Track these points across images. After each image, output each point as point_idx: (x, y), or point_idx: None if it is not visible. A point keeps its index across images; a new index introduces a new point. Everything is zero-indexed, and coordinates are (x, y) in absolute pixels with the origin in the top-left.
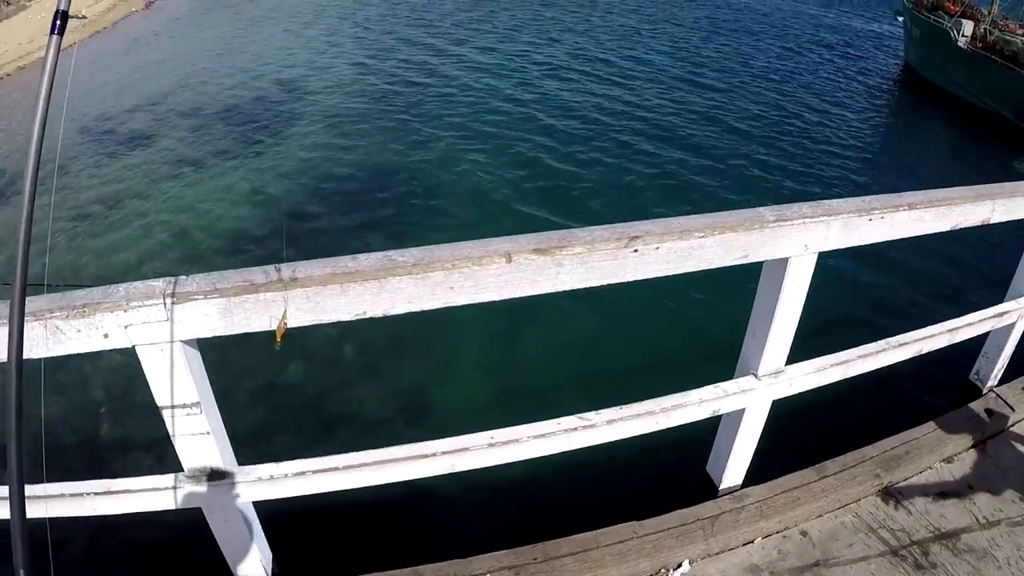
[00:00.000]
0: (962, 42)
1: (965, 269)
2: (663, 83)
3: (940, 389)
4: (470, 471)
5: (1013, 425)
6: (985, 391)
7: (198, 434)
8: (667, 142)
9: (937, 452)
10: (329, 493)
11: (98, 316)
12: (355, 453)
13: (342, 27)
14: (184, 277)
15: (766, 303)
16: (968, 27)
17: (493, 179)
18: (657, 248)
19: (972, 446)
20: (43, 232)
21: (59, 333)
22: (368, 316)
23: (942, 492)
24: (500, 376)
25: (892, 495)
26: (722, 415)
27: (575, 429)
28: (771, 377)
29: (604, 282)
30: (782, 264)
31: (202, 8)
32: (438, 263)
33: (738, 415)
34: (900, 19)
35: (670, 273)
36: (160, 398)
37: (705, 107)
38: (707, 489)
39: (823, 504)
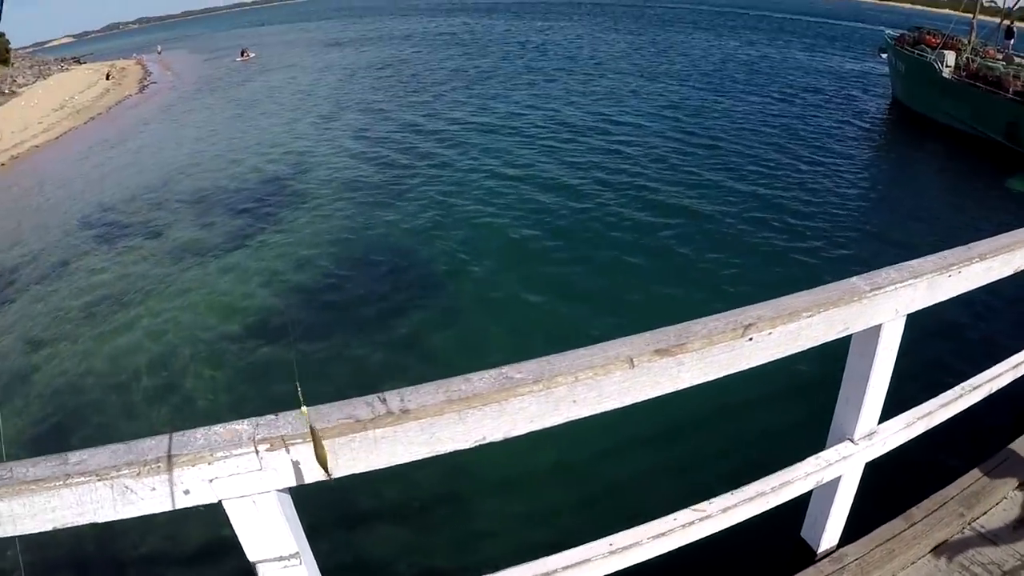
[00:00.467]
0: (947, 72)
1: (993, 307)
2: (653, 144)
3: (998, 419)
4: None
5: None
6: None
7: None
8: (663, 205)
9: (1011, 481)
10: None
11: (176, 471)
12: None
13: (331, 109)
14: (272, 416)
15: (859, 369)
16: (951, 57)
17: (511, 243)
18: (770, 334)
19: None
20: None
21: (129, 493)
22: (487, 442)
23: (1021, 519)
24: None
25: (976, 529)
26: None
27: (692, 523)
28: (866, 440)
29: (721, 374)
30: (875, 331)
31: (198, 92)
32: (560, 377)
33: (836, 480)
34: (884, 56)
35: (781, 356)
36: (252, 552)
37: (699, 165)
38: (804, 554)
39: (916, 550)
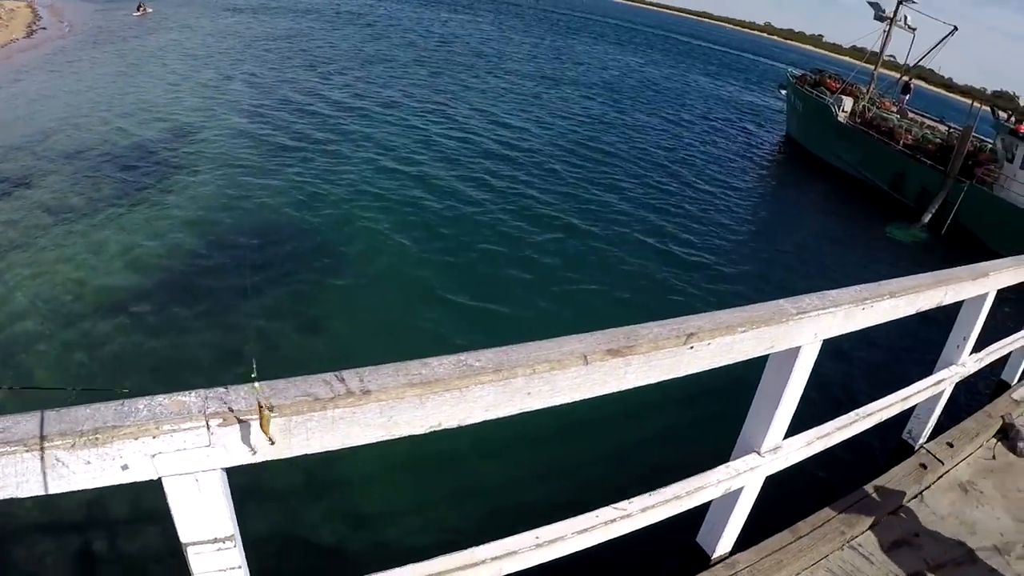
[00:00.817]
0: (842, 117)
1: (896, 345)
2: (544, 151)
3: (876, 448)
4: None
5: (943, 476)
6: (917, 448)
7: (228, 569)
8: (544, 216)
9: (886, 506)
10: None
11: (115, 444)
12: (398, 569)
13: (219, 79)
14: (223, 389)
15: (774, 386)
16: (848, 103)
17: (384, 239)
18: (708, 344)
19: (913, 497)
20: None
21: (60, 466)
22: (442, 428)
23: (895, 541)
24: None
25: (855, 548)
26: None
27: (614, 520)
28: (771, 453)
29: (663, 378)
30: (794, 352)
31: (87, 43)
32: (519, 368)
33: (739, 490)
34: (783, 92)
35: (715, 366)
36: (187, 533)
37: (587, 180)
38: (698, 558)
39: (802, 562)
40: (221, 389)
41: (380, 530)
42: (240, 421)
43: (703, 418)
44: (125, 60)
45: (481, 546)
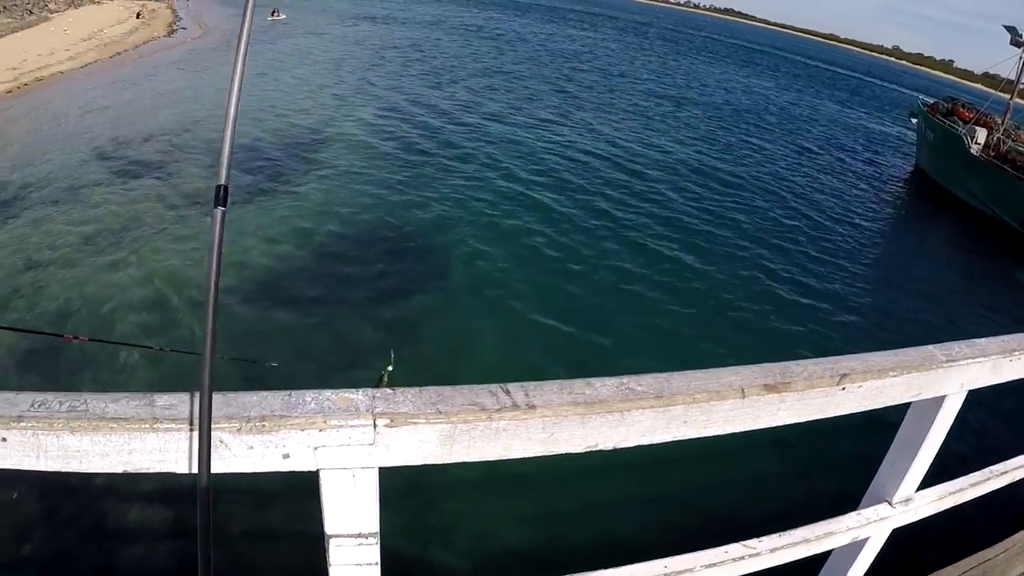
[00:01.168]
0: (975, 149)
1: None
2: (676, 172)
3: (1000, 512)
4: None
5: None
6: None
7: (366, 564)
8: (674, 237)
9: (1010, 572)
10: None
11: (280, 433)
12: None
13: (356, 84)
14: (389, 391)
15: (913, 436)
16: (982, 135)
17: (492, 252)
18: (860, 386)
19: None
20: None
21: (222, 448)
22: (598, 448)
23: None
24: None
25: None
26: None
27: (742, 558)
28: (902, 505)
29: (813, 417)
30: (939, 400)
31: (222, 45)
32: (679, 396)
33: (864, 540)
34: (914, 121)
35: (861, 409)
36: (333, 526)
37: (717, 203)
38: None
39: None
40: (388, 391)
41: (494, 544)
42: (407, 423)
43: (814, 461)
44: (257, 63)
45: (607, 570)
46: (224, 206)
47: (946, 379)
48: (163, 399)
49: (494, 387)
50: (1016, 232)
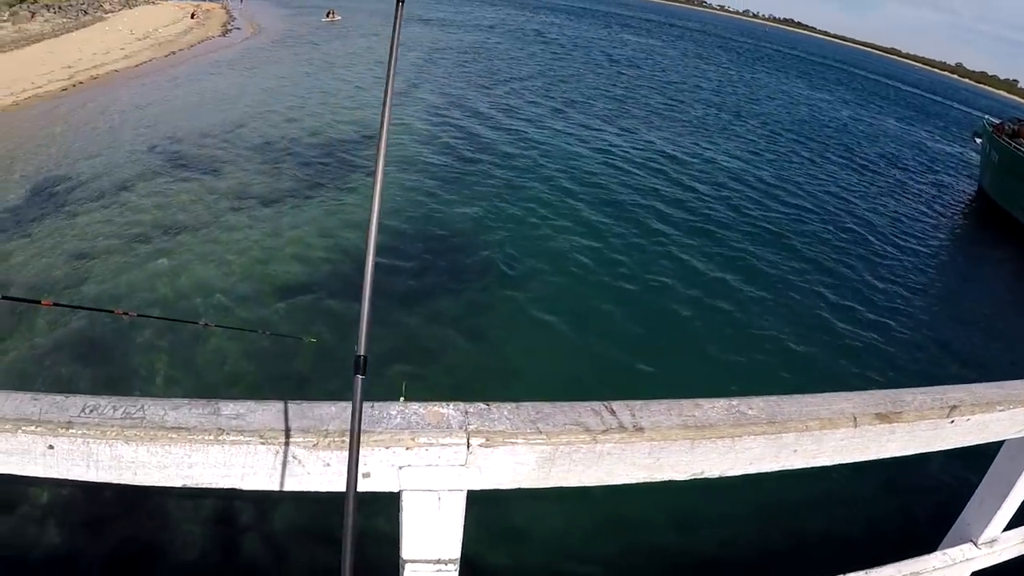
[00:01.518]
0: None
1: None
2: (729, 187)
3: None
4: None
5: None
6: None
7: None
8: (727, 257)
9: None
10: None
11: (362, 450)
12: None
13: (405, 86)
14: (483, 405)
15: (1006, 474)
16: None
17: (554, 258)
18: (968, 419)
19: None
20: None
21: (295, 464)
22: (703, 476)
23: None
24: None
25: None
26: None
27: None
28: (987, 546)
29: (920, 451)
30: None
31: (277, 45)
32: (792, 423)
33: None
34: (978, 141)
35: (965, 444)
36: (410, 550)
37: (772, 221)
38: None
39: None
40: (482, 405)
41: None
42: (505, 443)
43: (877, 488)
44: (312, 63)
45: None
46: (363, 374)
47: None
48: (229, 407)
49: (597, 405)
50: None
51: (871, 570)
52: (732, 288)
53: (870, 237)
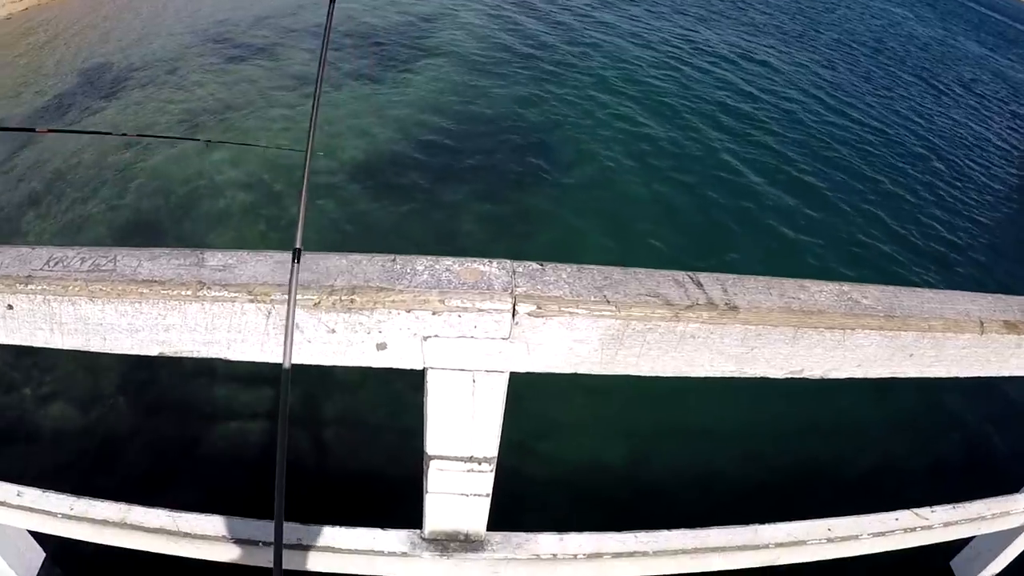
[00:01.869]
0: None
1: None
2: (798, 99)
3: None
4: None
5: None
6: None
7: (474, 495)
8: (787, 172)
9: None
10: None
11: (377, 313)
12: (669, 532)
13: None
14: (536, 265)
15: None
16: None
17: (606, 155)
18: None
19: None
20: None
21: (295, 331)
22: (803, 375)
23: None
24: None
25: None
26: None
27: (912, 529)
28: None
29: None
30: None
31: None
32: (912, 320)
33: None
34: None
35: None
36: (437, 444)
37: (848, 131)
38: None
39: None
40: (534, 264)
41: (631, 483)
42: (561, 313)
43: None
44: None
45: (766, 526)
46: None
47: None
48: (216, 257)
49: (680, 275)
50: None
51: (959, 505)
52: (803, 191)
53: (940, 172)
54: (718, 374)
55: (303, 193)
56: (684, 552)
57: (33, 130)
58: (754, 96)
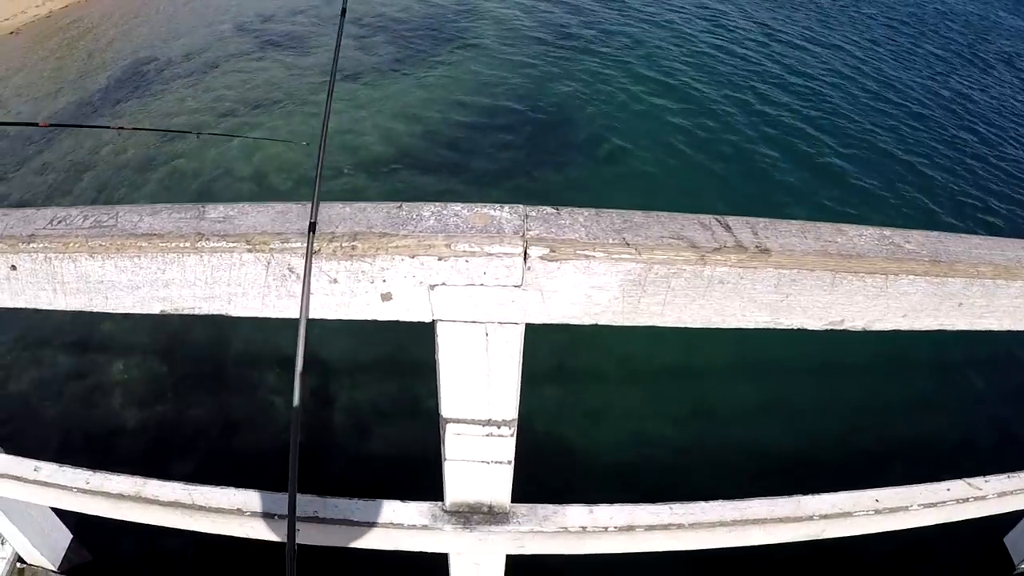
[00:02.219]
0: None
1: None
2: (846, 74)
3: None
4: None
5: None
6: None
7: (495, 462)
8: (826, 144)
9: None
10: None
11: (380, 260)
12: (707, 503)
13: None
14: (551, 209)
15: None
16: None
17: (636, 136)
18: None
19: None
20: None
21: (292, 280)
22: (843, 327)
23: None
24: None
25: None
26: None
27: (965, 500)
28: None
29: None
30: None
31: None
32: (960, 265)
33: None
34: None
35: None
36: (452, 406)
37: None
38: (1001, 561)
39: None
40: (549, 208)
41: (667, 455)
42: (577, 256)
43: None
44: None
45: (810, 496)
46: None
47: None
48: (217, 210)
49: (706, 218)
50: None
51: (1015, 474)
52: (836, 175)
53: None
54: (751, 325)
55: (321, 147)
56: (723, 524)
57: (36, 124)
58: (791, 76)
